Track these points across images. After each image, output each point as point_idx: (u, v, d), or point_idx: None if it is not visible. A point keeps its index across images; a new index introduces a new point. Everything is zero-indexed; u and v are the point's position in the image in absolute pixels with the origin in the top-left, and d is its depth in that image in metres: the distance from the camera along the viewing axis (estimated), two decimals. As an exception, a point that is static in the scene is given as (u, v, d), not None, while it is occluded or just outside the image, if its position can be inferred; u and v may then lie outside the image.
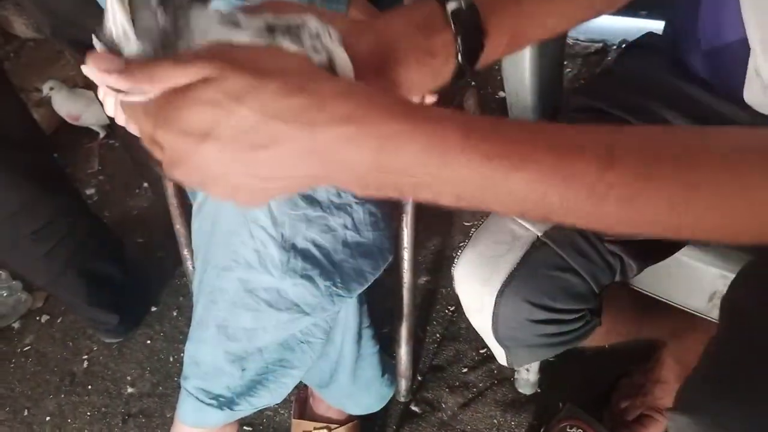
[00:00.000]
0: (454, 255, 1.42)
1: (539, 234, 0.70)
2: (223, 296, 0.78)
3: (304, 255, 0.78)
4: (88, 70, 0.40)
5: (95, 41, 0.42)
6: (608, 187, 0.37)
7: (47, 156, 1.23)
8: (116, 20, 0.40)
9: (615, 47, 1.84)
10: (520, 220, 0.72)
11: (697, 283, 0.77)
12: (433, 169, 0.38)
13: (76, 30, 1.07)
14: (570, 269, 0.69)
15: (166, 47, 0.41)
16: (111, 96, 0.77)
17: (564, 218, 0.39)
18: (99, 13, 0.87)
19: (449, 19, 0.48)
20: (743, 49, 0.63)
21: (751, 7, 0.61)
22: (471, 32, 0.48)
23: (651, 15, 1.57)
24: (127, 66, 0.39)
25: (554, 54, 0.86)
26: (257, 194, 0.40)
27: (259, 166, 0.38)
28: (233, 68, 0.37)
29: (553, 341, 0.72)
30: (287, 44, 0.42)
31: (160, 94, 0.38)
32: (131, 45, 0.41)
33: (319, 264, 0.79)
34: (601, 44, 1.81)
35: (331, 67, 0.43)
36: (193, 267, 1.20)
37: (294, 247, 0.77)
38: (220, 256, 0.77)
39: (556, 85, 0.87)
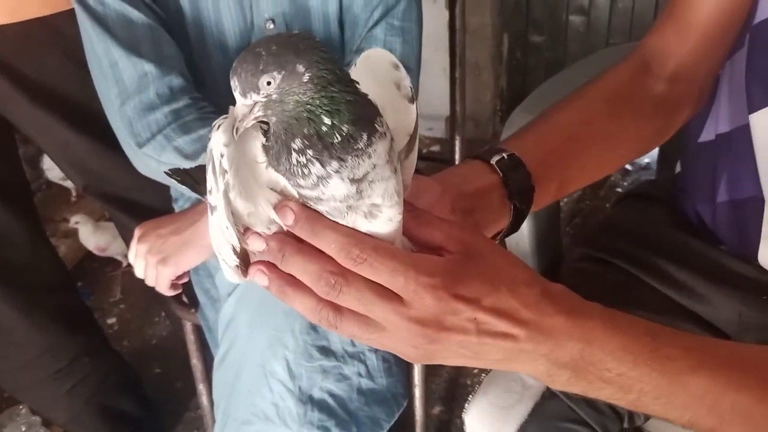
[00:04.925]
0: (469, 383, 1.43)
1: (548, 385, 0.73)
2: (242, 450, 0.80)
3: (321, 406, 0.80)
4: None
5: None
6: None
7: (73, 297, 1.28)
8: None
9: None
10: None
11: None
12: (625, 368, 0.42)
13: (108, 186, 1.13)
14: (580, 421, 0.71)
15: None
16: (141, 259, 0.84)
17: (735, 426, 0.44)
18: (132, 169, 0.90)
19: (495, 168, 0.55)
20: (760, 207, 0.64)
21: (767, 165, 0.63)
22: (517, 175, 0.55)
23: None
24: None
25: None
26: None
27: (487, 361, 0.42)
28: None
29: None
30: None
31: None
32: None
33: (334, 414, 0.81)
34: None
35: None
36: (209, 404, 1.22)
37: (311, 399, 0.80)
38: (240, 409, 0.80)
39: (554, 233, 0.93)
